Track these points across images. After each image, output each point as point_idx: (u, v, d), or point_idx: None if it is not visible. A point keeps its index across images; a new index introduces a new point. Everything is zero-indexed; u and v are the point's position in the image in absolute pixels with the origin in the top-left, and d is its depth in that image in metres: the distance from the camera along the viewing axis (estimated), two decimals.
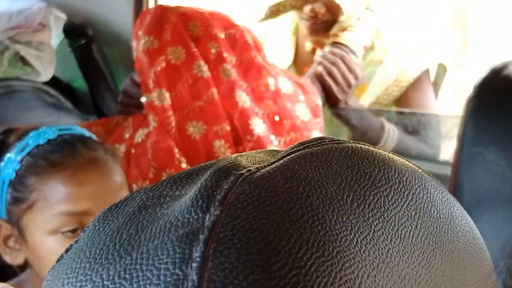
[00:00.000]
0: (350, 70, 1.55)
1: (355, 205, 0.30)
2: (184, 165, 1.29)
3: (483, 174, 0.72)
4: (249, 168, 0.30)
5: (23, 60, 1.74)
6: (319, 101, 1.45)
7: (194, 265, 0.26)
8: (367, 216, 0.30)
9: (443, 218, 0.33)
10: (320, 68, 1.55)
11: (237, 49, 1.37)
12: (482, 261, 0.35)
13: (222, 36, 1.36)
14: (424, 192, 0.33)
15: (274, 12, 1.66)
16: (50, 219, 0.97)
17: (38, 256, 0.99)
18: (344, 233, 0.28)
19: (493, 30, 2.21)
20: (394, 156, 0.34)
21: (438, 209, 0.33)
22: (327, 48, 1.58)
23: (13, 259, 1.01)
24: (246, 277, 0.26)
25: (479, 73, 0.77)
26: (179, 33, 1.34)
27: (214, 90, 1.33)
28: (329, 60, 1.55)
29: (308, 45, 1.73)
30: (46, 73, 1.76)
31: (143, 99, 1.35)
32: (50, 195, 0.98)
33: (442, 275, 0.31)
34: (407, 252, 0.30)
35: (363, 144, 0.34)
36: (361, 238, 0.28)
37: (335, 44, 1.59)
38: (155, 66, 1.34)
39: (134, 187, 1.32)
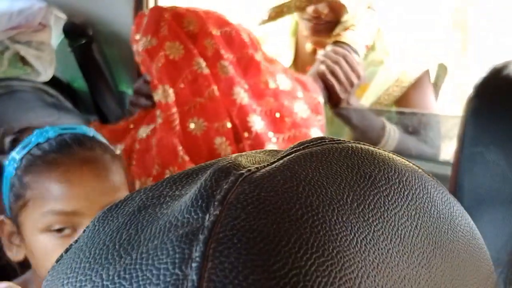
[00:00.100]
0: (353, 69, 1.55)
1: (355, 205, 0.30)
2: (187, 163, 1.29)
3: (483, 174, 0.72)
4: (249, 168, 0.30)
5: (23, 60, 1.74)
6: (320, 98, 1.45)
7: (193, 265, 0.26)
8: (367, 216, 0.30)
9: (443, 218, 0.33)
10: (322, 67, 1.55)
11: (234, 47, 1.38)
12: (482, 261, 0.35)
13: (218, 33, 1.37)
14: (424, 192, 0.33)
15: (278, 13, 1.66)
16: (40, 217, 0.97)
17: (32, 253, 1.00)
18: (344, 233, 0.28)
19: (493, 30, 2.21)
20: (394, 156, 0.34)
21: (438, 209, 0.33)
22: (329, 47, 1.58)
23: (14, 255, 1.02)
24: (246, 277, 0.26)
25: (480, 73, 0.77)
26: (175, 30, 1.36)
27: (215, 87, 1.33)
28: (331, 59, 1.55)
29: (308, 46, 1.73)
30: (46, 73, 1.76)
31: (155, 98, 1.36)
32: (42, 193, 0.98)
33: (442, 275, 0.31)
34: (407, 252, 0.30)
35: (363, 144, 0.34)
36: (361, 238, 0.28)
37: (337, 43, 1.59)
38: (155, 62, 1.35)
39: (137, 183, 1.32)
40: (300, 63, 1.74)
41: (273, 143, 1.33)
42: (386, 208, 0.30)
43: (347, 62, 1.55)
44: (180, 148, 1.30)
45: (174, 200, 0.30)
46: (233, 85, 1.34)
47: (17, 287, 1.00)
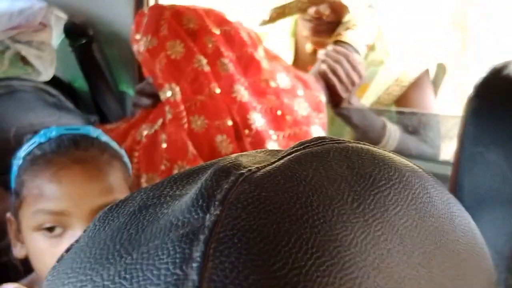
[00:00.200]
0: (354, 68, 1.55)
1: (355, 205, 0.30)
2: (197, 157, 1.29)
3: (483, 174, 0.72)
4: (249, 168, 0.30)
5: (24, 60, 1.74)
6: (322, 97, 1.45)
7: (194, 265, 0.26)
8: (367, 216, 0.30)
9: (443, 218, 0.33)
10: (324, 66, 1.55)
11: (234, 45, 1.38)
12: (482, 261, 0.35)
13: (217, 32, 1.37)
14: (424, 192, 0.33)
15: (280, 14, 1.66)
16: (32, 215, 0.98)
17: (29, 251, 1.00)
18: (344, 233, 0.28)
19: (493, 30, 2.20)
20: (394, 156, 0.34)
21: (438, 209, 0.33)
22: (330, 47, 1.58)
23: (18, 252, 1.03)
24: (246, 277, 0.26)
25: (479, 73, 0.77)
26: (175, 28, 1.36)
27: (215, 85, 1.33)
28: (333, 59, 1.55)
29: (308, 46, 1.73)
30: (46, 73, 1.76)
31: (162, 96, 1.36)
32: (34, 192, 0.98)
33: (442, 275, 0.31)
34: (407, 252, 0.30)
35: (363, 144, 0.34)
36: (361, 238, 0.28)
37: (338, 42, 1.59)
38: (158, 63, 1.35)
39: (144, 177, 1.32)
40: (300, 63, 1.74)
41: (274, 140, 1.33)
42: (386, 208, 0.30)
43: (348, 61, 1.55)
44: (189, 143, 1.30)
45: (175, 200, 0.30)
46: (233, 83, 1.34)
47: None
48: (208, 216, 0.28)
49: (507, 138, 0.71)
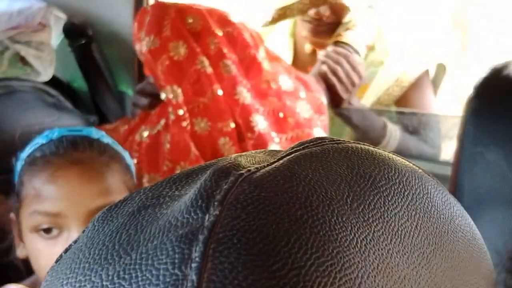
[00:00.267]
0: (354, 69, 1.55)
1: (355, 205, 0.30)
2: (200, 158, 1.29)
3: (483, 174, 0.72)
4: (248, 168, 0.30)
5: (23, 60, 1.74)
6: (323, 98, 1.45)
7: (193, 265, 0.26)
8: (367, 216, 0.29)
9: (443, 218, 0.33)
10: (324, 67, 1.55)
11: (236, 47, 1.38)
12: (482, 261, 0.35)
13: (220, 33, 1.37)
14: (424, 192, 0.33)
15: (281, 15, 1.66)
16: (29, 216, 0.98)
17: (28, 252, 1.00)
18: (344, 233, 0.28)
19: (493, 30, 2.20)
20: (394, 156, 0.34)
21: (438, 209, 0.33)
22: (330, 48, 1.58)
23: (20, 252, 1.03)
24: (245, 277, 0.26)
25: (480, 73, 0.77)
26: (178, 28, 1.35)
27: (217, 87, 1.33)
28: (333, 59, 1.55)
29: (307, 47, 1.73)
30: (46, 73, 1.76)
31: (162, 96, 1.36)
32: (32, 193, 0.98)
33: (442, 275, 0.31)
34: (407, 252, 0.30)
35: (363, 144, 0.34)
36: (361, 238, 0.28)
37: (338, 43, 1.59)
38: (160, 64, 1.35)
39: (146, 177, 1.32)
40: (299, 63, 1.74)
41: (276, 143, 1.33)
42: (386, 208, 0.30)
43: (348, 62, 1.55)
44: (192, 144, 1.30)
45: (174, 200, 0.30)
46: (236, 85, 1.34)
47: None
48: (207, 216, 0.28)
49: (507, 138, 0.71)
